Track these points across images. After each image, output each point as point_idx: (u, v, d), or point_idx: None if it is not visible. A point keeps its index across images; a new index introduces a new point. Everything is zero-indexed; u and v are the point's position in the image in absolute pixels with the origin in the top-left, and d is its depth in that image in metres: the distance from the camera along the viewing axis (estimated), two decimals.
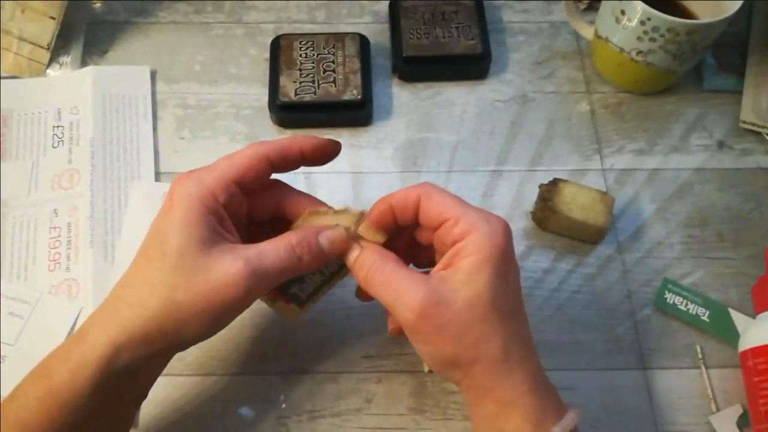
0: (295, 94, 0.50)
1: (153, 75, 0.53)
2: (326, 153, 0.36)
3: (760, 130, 0.51)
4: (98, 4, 0.57)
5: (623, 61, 0.50)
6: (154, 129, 0.51)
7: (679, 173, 0.50)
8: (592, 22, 0.53)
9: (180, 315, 0.31)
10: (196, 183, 0.32)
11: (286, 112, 0.50)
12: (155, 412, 0.40)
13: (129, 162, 0.49)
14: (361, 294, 0.38)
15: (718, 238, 0.47)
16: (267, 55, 0.53)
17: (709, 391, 0.41)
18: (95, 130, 0.49)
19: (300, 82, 0.50)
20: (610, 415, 0.41)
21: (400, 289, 0.32)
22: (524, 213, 0.48)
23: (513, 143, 0.51)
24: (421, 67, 0.53)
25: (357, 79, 0.50)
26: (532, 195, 0.47)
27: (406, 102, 0.53)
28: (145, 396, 0.35)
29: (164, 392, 0.40)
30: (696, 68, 0.54)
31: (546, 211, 0.45)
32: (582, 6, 0.57)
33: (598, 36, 0.51)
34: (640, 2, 0.45)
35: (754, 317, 0.41)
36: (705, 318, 0.43)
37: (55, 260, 0.45)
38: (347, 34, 0.53)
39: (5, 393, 0.38)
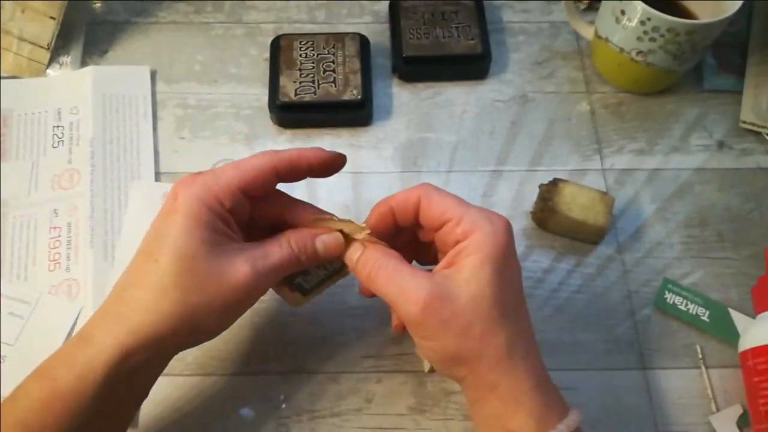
0: (295, 94, 0.50)
1: (153, 75, 0.53)
2: (333, 166, 0.36)
3: (760, 130, 0.51)
4: (98, 4, 0.57)
5: (623, 61, 0.50)
6: (154, 129, 0.51)
7: (679, 173, 0.50)
8: (592, 22, 0.53)
9: (194, 317, 0.31)
10: (202, 187, 0.32)
11: (286, 112, 0.50)
12: (155, 412, 0.40)
13: (129, 162, 0.49)
14: (365, 291, 0.39)
15: (718, 238, 0.47)
16: (267, 55, 0.53)
17: (709, 391, 0.41)
18: (95, 130, 0.49)
19: (300, 82, 0.50)
20: (610, 415, 0.41)
21: (404, 284, 0.32)
22: (524, 213, 0.48)
23: (513, 143, 0.51)
24: (421, 67, 0.53)
25: (357, 79, 0.50)
26: (532, 195, 0.47)
27: (406, 102, 0.53)
28: (145, 395, 0.35)
29: (164, 392, 0.40)
30: (696, 68, 0.54)
31: (546, 211, 0.45)
32: (582, 6, 0.57)
33: (598, 36, 0.51)
34: (640, 2, 0.45)
35: (754, 317, 0.41)
36: (705, 318, 0.43)
37: (55, 260, 0.45)
38: (347, 34, 0.53)
39: (5, 393, 0.38)
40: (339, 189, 0.49)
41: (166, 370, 0.35)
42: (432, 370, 0.42)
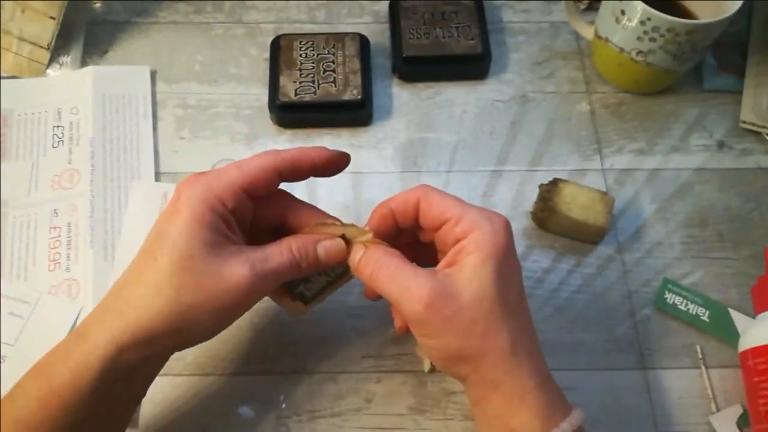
0: (295, 94, 0.50)
1: (153, 75, 0.53)
2: (337, 165, 0.36)
3: (760, 130, 0.51)
4: (98, 4, 0.57)
5: (623, 61, 0.50)
6: (154, 129, 0.51)
7: (679, 173, 0.50)
8: (592, 22, 0.53)
9: (188, 316, 0.31)
10: (204, 187, 0.32)
11: (286, 112, 0.50)
12: (155, 412, 0.40)
13: (129, 162, 0.49)
14: (369, 292, 0.39)
15: (718, 238, 0.47)
16: (267, 55, 0.53)
17: (709, 391, 0.41)
18: (95, 130, 0.49)
19: (300, 82, 0.50)
20: (610, 415, 0.41)
21: (407, 282, 0.32)
22: (524, 213, 0.48)
23: (513, 143, 0.51)
24: (421, 67, 0.53)
25: (357, 79, 0.50)
26: (532, 195, 0.47)
27: (406, 102, 0.53)
28: (144, 394, 0.35)
29: (164, 392, 0.40)
30: (696, 68, 0.54)
31: (546, 211, 0.45)
32: (582, 6, 0.57)
33: (598, 36, 0.51)
34: (640, 2, 0.45)
35: (754, 317, 0.41)
36: (705, 318, 0.43)
37: (55, 260, 0.45)
38: (347, 34, 0.53)
39: (5, 393, 0.39)
40: (339, 189, 0.49)
41: (165, 370, 0.35)
42: (432, 370, 0.42)
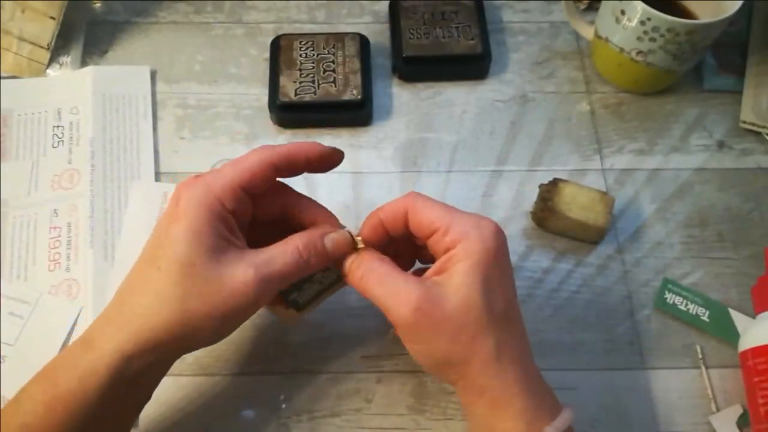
0: (295, 94, 0.50)
1: (153, 75, 0.53)
2: (330, 161, 0.36)
3: (760, 130, 0.51)
4: (98, 4, 0.57)
5: (623, 61, 0.50)
6: (154, 129, 0.51)
7: (679, 173, 0.50)
8: (592, 22, 0.53)
9: (192, 323, 0.31)
10: (203, 190, 0.32)
11: (286, 112, 0.50)
12: (155, 412, 0.40)
13: (129, 162, 0.49)
14: None
15: (718, 238, 0.47)
16: (267, 55, 0.53)
17: (709, 391, 0.41)
18: (95, 130, 0.49)
19: (300, 82, 0.50)
20: (610, 415, 0.41)
21: (396, 288, 0.32)
22: (524, 213, 0.48)
23: (513, 143, 0.51)
24: (421, 67, 0.53)
25: (357, 79, 0.50)
26: (532, 195, 0.47)
27: (406, 102, 0.53)
28: (148, 398, 0.35)
29: (164, 392, 0.40)
30: (696, 68, 0.54)
31: (546, 211, 0.45)
32: (582, 6, 0.57)
33: (598, 36, 0.51)
34: (640, 2, 0.45)
35: (754, 317, 0.41)
36: (705, 318, 0.43)
37: (55, 260, 0.45)
38: (347, 34, 0.53)
39: (5, 393, 0.39)
40: (339, 189, 0.49)
41: None
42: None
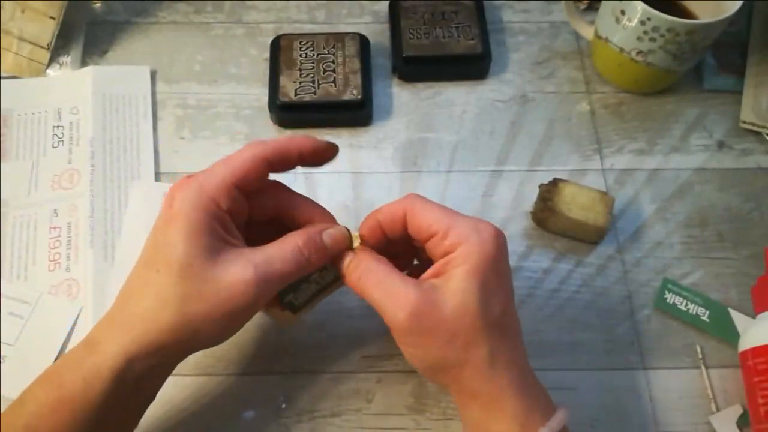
0: (295, 94, 0.50)
1: (153, 75, 0.53)
2: (324, 155, 0.36)
3: (760, 130, 0.51)
4: (98, 4, 0.57)
5: (623, 61, 0.50)
6: (154, 129, 0.51)
7: (679, 173, 0.50)
8: (592, 22, 0.53)
9: (193, 325, 0.31)
10: (197, 190, 0.32)
11: (286, 112, 0.50)
12: (155, 412, 0.40)
13: (129, 162, 0.49)
14: None
15: (718, 238, 0.47)
16: (267, 55, 0.53)
17: (709, 391, 0.41)
18: (95, 130, 0.49)
19: (300, 82, 0.50)
20: (610, 415, 0.41)
21: (393, 290, 0.32)
22: (524, 213, 0.48)
23: (513, 143, 0.51)
24: (421, 67, 0.53)
25: (357, 79, 0.50)
26: (532, 195, 0.47)
27: (406, 102, 0.53)
28: (152, 400, 0.35)
29: (165, 392, 0.40)
30: (696, 68, 0.54)
31: (546, 211, 0.45)
32: (582, 6, 0.57)
33: (598, 36, 0.51)
34: (640, 2, 0.45)
35: (754, 317, 0.41)
36: (705, 318, 0.43)
37: (55, 260, 0.45)
38: (347, 34, 0.53)
39: (5, 393, 0.39)
40: (339, 189, 0.49)
41: None
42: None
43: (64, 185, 0.47)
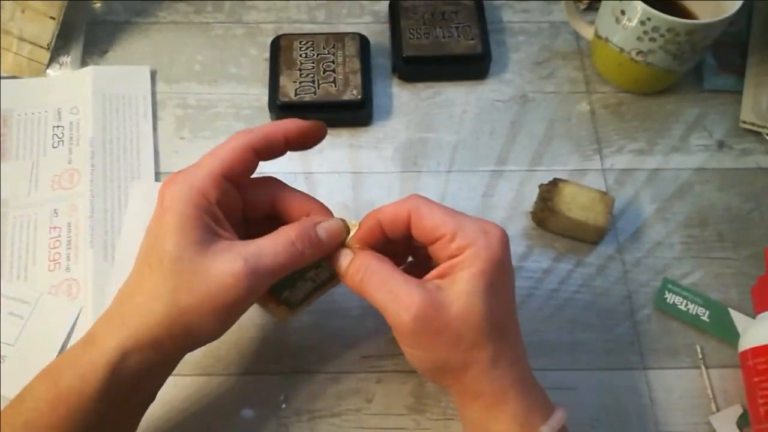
0: (295, 94, 0.50)
1: (153, 75, 0.53)
2: (312, 136, 0.35)
3: (760, 130, 0.51)
4: (98, 4, 0.57)
5: (623, 61, 0.50)
6: (154, 129, 0.51)
7: (679, 173, 0.50)
8: (592, 22, 0.53)
9: (185, 318, 0.31)
10: (185, 185, 0.32)
11: (286, 112, 0.50)
12: (155, 412, 0.40)
13: (129, 162, 0.49)
14: None
15: (718, 238, 0.47)
16: (267, 55, 0.53)
17: (709, 391, 0.41)
18: (95, 130, 0.49)
19: (300, 82, 0.50)
20: (610, 415, 0.41)
21: (397, 291, 0.31)
22: (524, 213, 0.48)
23: (513, 143, 0.51)
24: (421, 67, 0.53)
25: (357, 79, 0.50)
26: (532, 195, 0.47)
27: (406, 102, 0.53)
28: (152, 400, 0.35)
29: (164, 392, 0.40)
30: (696, 68, 0.54)
31: (546, 211, 0.45)
32: (582, 6, 0.57)
33: (598, 36, 0.51)
34: (640, 2, 0.45)
35: (754, 317, 0.41)
36: (705, 318, 0.43)
37: (55, 260, 0.45)
38: (347, 34, 0.53)
39: (5, 393, 0.39)
40: (339, 189, 0.49)
41: None
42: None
43: (64, 185, 0.47)
